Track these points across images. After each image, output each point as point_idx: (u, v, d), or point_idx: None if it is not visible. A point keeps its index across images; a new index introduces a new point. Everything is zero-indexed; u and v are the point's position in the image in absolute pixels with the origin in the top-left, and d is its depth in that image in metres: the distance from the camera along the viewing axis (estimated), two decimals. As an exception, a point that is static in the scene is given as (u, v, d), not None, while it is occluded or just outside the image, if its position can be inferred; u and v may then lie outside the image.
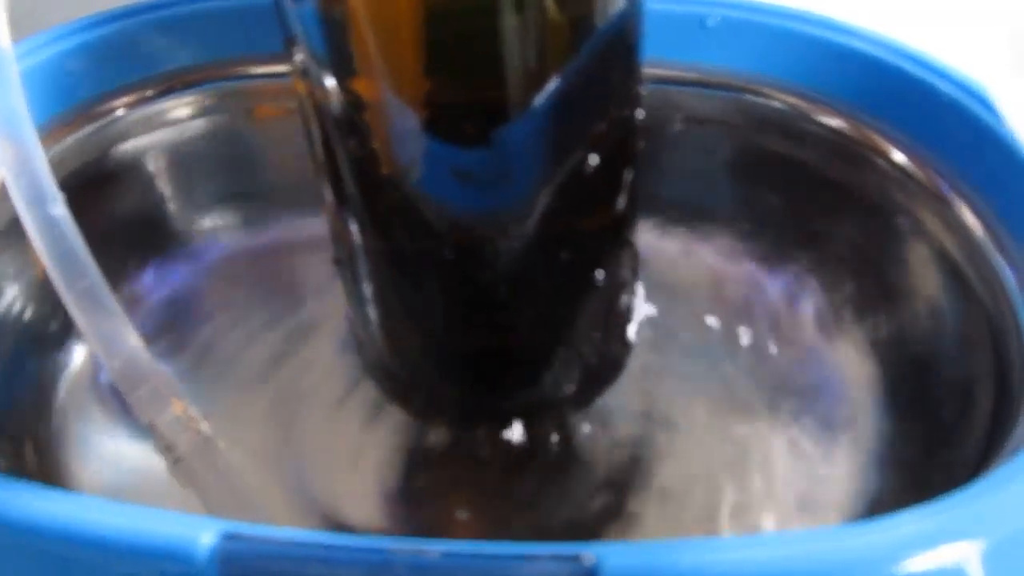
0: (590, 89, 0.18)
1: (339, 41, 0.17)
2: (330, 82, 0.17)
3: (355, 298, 0.22)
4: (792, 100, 0.24)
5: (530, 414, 0.22)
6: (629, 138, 0.20)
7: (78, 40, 0.24)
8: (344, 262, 0.21)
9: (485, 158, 0.18)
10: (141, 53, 0.25)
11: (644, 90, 0.24)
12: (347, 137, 0.18)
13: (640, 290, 0.24)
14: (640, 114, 0.20)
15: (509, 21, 0.16)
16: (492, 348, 0.21)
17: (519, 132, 0.17)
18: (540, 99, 0.17)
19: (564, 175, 0.18)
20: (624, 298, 0.22)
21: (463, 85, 0.17)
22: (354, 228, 0.20)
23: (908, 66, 0.22)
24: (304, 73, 0.18)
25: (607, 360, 0.23)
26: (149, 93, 0.25)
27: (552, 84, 0.17)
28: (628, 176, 0.20)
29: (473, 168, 0.18)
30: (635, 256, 0.22)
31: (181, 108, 0.26)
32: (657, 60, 0.24)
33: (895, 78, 0.22)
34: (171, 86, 0.25)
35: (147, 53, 0.25)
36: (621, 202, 0.20)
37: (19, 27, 0.21)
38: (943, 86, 0.22)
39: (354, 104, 0.18)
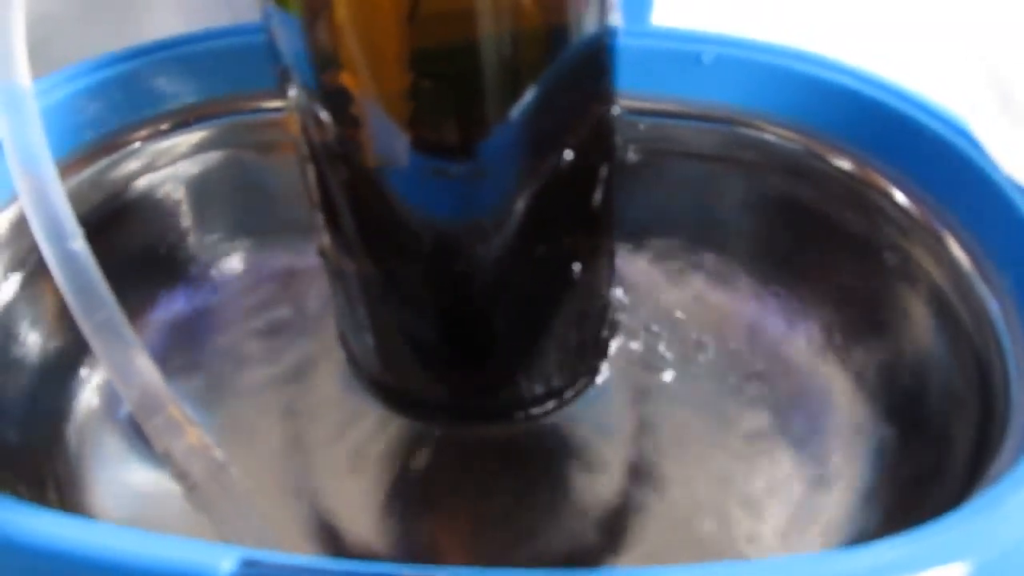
0: (569, 89, 0.19)
1: (325, 53, 0.18)
2: (315, 92, 0.18)
3: (344, 309, 0.22)
4: (785, 134, 0.24)
5: (512, 415, 0.23)
6: (606, 134, 0.21)
7: (94, 78, 0.25)
8: (329, 256, 0.22)
9: (469, 167, 0.18)
10: (155, 89, 0.26)
11: (641, 124, 0.25)
12: (337, 154, 0.19)
13: (628, 315, 0.24)
14: (616, 110, 0.21)
15: (489, 36, 0.17)
16: (474, 348, 0.22)
17: (500, 137, 0.18)
18: (522, 105, 0.18)
19: (547, 175, 0.19)
20: (601, 299, 0.23)
21: (446, 95, 0.18)
22: (345, 250, 0.20)
23: (897, 103, 0.23)
24: (289, 80, 0.19)
25: (585, 360, 0.23)
26: (163, 127, 0.26)
27: (533, 91, 0.17)
28: (604, 171, 0.21)
29: (457, 174, 0.18)
30: (612, 259, 0.23)
31: (194, 142, 0.26)
32: (653, 94, 0.25)
33: (885, 114, 0.23)
34: (184, 120, 0.26)
35: (161, 89, 0.26)
36: (598, 197, 0.21)
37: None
38: (931, 123, 0.22)
39: (338, 103, 0.18)
